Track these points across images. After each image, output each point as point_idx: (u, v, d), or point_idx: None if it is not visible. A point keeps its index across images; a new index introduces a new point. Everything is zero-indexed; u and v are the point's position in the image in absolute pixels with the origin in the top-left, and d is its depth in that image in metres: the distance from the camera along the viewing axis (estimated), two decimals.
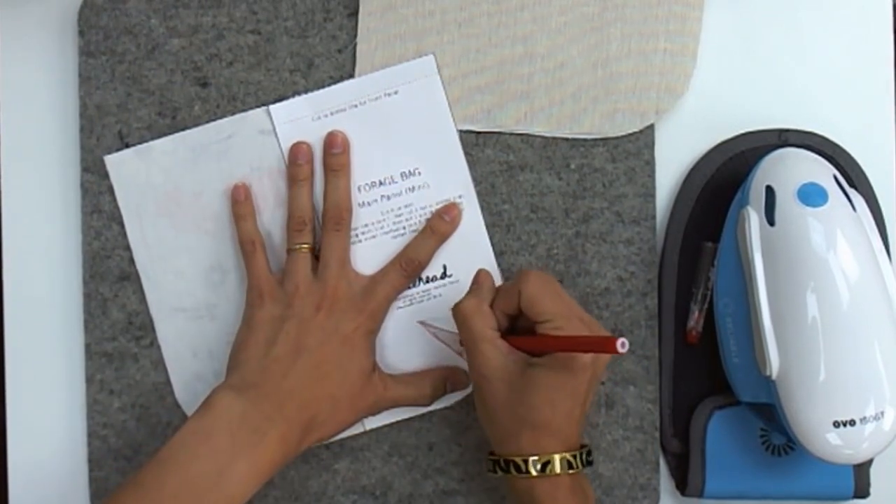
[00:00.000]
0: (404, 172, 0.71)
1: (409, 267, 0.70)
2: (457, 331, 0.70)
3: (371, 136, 0.71)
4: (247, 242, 0.70)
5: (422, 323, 0.71)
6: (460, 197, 0.71)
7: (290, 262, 0.69)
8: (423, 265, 0.70)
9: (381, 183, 0.71)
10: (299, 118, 0.71)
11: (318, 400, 0.66)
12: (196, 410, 0.64)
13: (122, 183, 0.72)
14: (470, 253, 0.71)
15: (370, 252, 0.71)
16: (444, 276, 0.71)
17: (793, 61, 0.72)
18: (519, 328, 0.66)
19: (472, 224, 0.71)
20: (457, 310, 0.65)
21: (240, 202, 0.70)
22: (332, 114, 0.71)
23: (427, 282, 0.71)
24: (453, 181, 0.71)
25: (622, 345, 0.56)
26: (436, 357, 0.71)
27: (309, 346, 0.66)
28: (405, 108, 0.71)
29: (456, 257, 0.71)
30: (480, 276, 0.67)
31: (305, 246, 0.69)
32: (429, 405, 0.70)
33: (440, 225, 0.70)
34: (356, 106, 0.71)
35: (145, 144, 0.72)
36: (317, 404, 0.66)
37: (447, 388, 0.70)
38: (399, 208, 0.71)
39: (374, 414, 0.70)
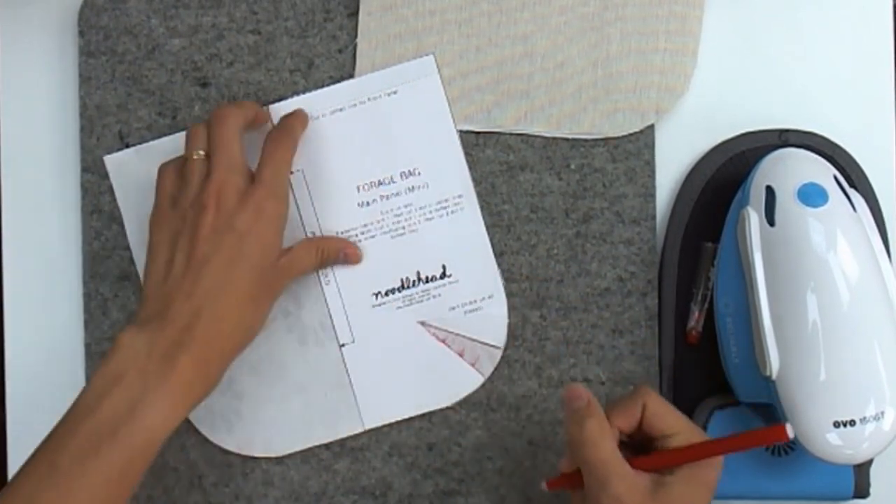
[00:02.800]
0: (404, 172, 0.71)
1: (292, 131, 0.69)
2: (456, 331, 0.71)
3: (371, 135, 0.71)
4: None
5: (422, 323, 0.71)
6: (460, 196, 0.71)
7: (186, 172, 0.65)
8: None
9: (380, 183, 0.71)
10: None
11: (229, 308, 0.62)
12: (102, 358, 0.61)
13: (122, 183, 0.72)
14: (469, 253, 0.71)
15: (369, 252, 0.71)
16: (443, 276, 0.71)
17: (793, 61, 0.72)
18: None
19: (472, 224, 0.71)
20: (580, 432, 0.59)
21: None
22: (331, 113, 0.71)
23: (427, 282, 0.71)
24: (453, 181, 0.71)
25: (790, 430, 0.55)
26: (436, 357, 0.71)
27: (206, 255, 0.62)
28: (405, 108, 0.71)
29: (455, 257, 0.71)
30: (580, 393, 0.60)
31: (201, 152, 0.65)
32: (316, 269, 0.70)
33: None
34: (356, 105, 0.71)
35: (145, 144, 0.72)
36: (229, 313, 0.62)
37: (328, 256, 0.70)
38: (398, 208, 0.71)
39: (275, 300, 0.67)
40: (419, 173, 0.71)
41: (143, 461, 0.59)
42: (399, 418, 0.72)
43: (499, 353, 0.71)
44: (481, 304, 0.71)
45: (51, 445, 0.58)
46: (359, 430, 0.72)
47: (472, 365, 0.71)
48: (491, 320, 0.71)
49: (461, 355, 0.71)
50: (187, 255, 0.63)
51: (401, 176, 0.71)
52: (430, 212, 0.71)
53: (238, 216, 0.63)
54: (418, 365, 0.71)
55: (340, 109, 0.71)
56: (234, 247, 0.63)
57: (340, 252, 0.70)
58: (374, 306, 0.72)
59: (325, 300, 0.72)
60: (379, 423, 0.72)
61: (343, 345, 0.72)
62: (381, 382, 0.72)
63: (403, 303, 0.71)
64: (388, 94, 0.71)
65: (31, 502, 0.57)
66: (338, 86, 0.71)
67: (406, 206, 0.71)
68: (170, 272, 0.63)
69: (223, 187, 0.63)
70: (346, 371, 0.72)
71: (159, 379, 0.59)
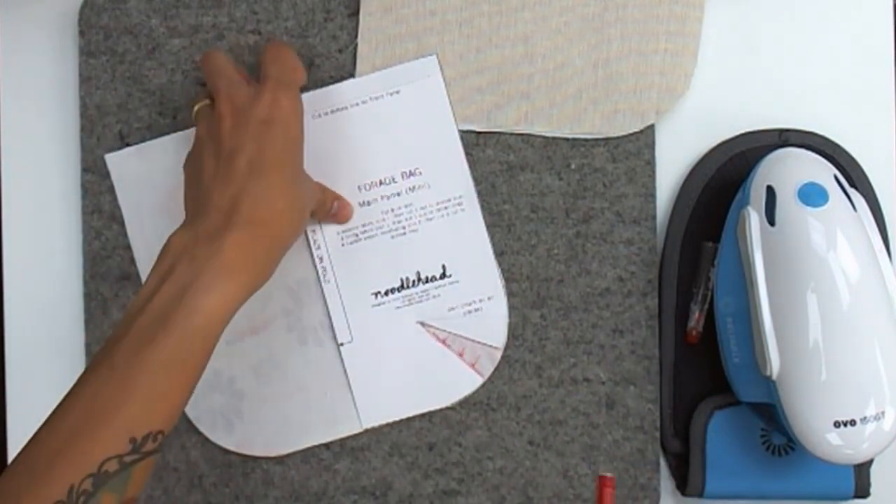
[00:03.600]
0: (405, 172, 0.71)
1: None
2: (456, 331, 0.71)
3: (372, 135, 0.71)
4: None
5: (421, 323, 0.71)
6: (461, 197, 0.71)
7: (198, 121, 0.66)
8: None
9: (381, 182, 0.71)
10: None
11: (271, 189, 0.61)
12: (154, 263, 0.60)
13: (123, 182, 0.72)
14: (469, 253, 0.71)
15: (368, 252, 0.71)
16: (443, 276, 0.71)
17: (793, 61, 0.72)
18: None
19: (472, 224, 0.71)
20: None
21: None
22: (332, 112, 0.71)
23: (426, 282, 0.71)
24: (454, 182, 0.71)
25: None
26: (434, 357, 0.71)
27: (235, 147, 0.61)
28: (407, 108, 0.71)
29: (455, 258, 0.71)
30: None
31: (206, 100, 0.66)
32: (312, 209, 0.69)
33: None
34: (357, 105, 0.71)
35: (146, 143, 0.72)
36: (271, 193, 0.61)
37: (327, 199, 0.70)
38: (399, 208, 0.71)
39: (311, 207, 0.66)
40: (420, 173, 0.71)
41: (202, 346, 0.57)
42: (397, 418, 0.71)
43: (498, 354, 0.71)
44: (481, 304, 0.71)
45: (107, 347, 0.57)
46: (357, 429, 0.72)
47: (471, 366, 0.71)
48: (490, 321, 0.71)
49: (460, 356, 0.71)
50: (216, 155, 0.62)
51: (402, 176, 0.71)
52: (431, 212, 0.71)
53: (254, 109, 0.62)
54: (417, 365, 0.71)
55: (343, 108, 0.71)
56: (260, 133, 0.62)
57: (335, 202, 0.70)
58: (373, 306, 0.72)
59: (324, 299, 0.72)
60: (377, 423, 0.72)
61: (342, 344, 0.72)
62: (379, 382, 0.72)
63: (403, 302, 0.71)
64: (391, 94, 0.71)
65: (94, 400, 0.56)
66: (340, 84, 0.71)
67: (407, 206, 0.71)
68: (203, 175, 0.62)
69: (231, 96, 0.63)
70: (345, 370, 0.72)
71: (207, 260, 0.58)
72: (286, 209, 0.62)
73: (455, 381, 0.72)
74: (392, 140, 0.71)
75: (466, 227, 0.71)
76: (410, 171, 0.71)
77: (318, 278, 0.72)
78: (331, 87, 0.71)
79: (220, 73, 0.65)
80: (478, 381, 0.71)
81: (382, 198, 0.71)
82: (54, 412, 0.57)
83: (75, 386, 0.57)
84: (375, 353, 0.71)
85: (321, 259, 0.72)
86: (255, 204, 0.60)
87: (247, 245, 0.59)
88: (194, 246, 0.59)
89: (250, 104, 0.63)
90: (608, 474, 0.61)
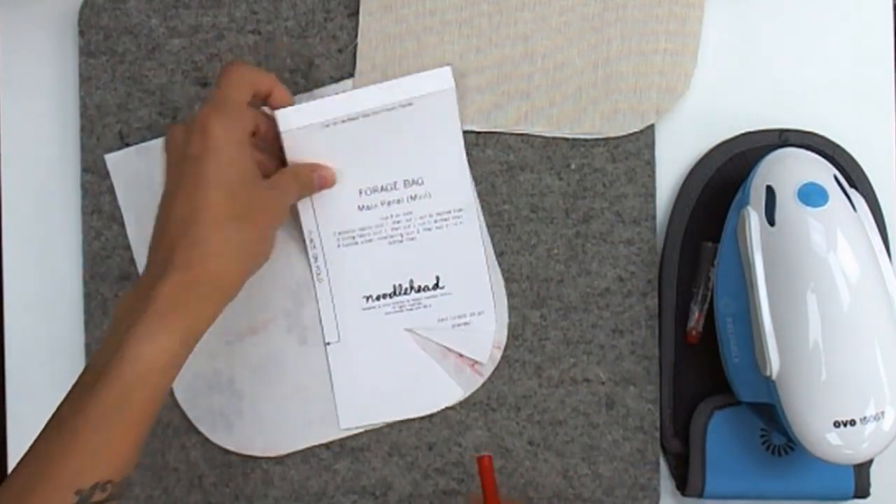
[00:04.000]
0: (407, 180, 0.71)
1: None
2: (442, 342, 0.71)
3: (378, 142, 0.70)
4: None
5: (409, 331, 0.71)
6: (461, 210, 0.71)
7: None
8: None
9: (382, 188, 0.71)
10: (308, 125, 0.69)
11: (207, 231, 0.60)
12: None
13: (123, 182, 0.72)
14: (464, 267, 0.71)
15: (364, 255, 0.71)
16: (436, 286, 0.71)
17: (793, 61, 0.72)
18: None
19: (470, 239, 0.71)
20: None
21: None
22: (343, 122, 0.69)
23: (419, 291, 0.71)
24: (456, 194, 0.71)
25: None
26: (419, 366, 0.71)
27: (171, 189, 0.61)
28: (417, 119, 0.70)
29: (450, 270, 0.71)
30: None
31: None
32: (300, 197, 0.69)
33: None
34: (368, 116, 0.70)
35: (146, 143, 0.72)
36: (208, 235, 0.60)
37: (305, 181, 0.69)
38: (398, 215, 0.71)
39: (276, 225, 0.65)
40: (423, 182, 0.71)
41: (142, 395, 0.57)
42: (399, 418, 0.71)
43: (482, 369, 0.71)
44: (470, 318, 0.71)
45: (59, 405, 0.58)
46: (358, 430, 0.71)
47: (453, 378, 0.71)
48: (478, 336, 0.71)
49: (443, 367, 0.71)
50: (162, 200, 0.62)
51: (404, 184, 0.71)
52: (430, 222, 0.71)
53: (187, 144, 0.61)
54: (400, 372, 0.71)
55: (353, 119, 0.70)
56: (193, 172, 0.61)
57: (315, 176, 0.69)
58: (363, 309, 0.71)
59: (316, 297, 0.71)
60: (354, 426, 0.71)
61: (328, 343, 0.72)
62: (361, 385, 0.71)
63: (393, 309, 0.71)
64: (403, 106, 0.70)
65: (41, 456, 0.56)
66: (352, 93, 0.69)
67: (406, 214, 0.71)
68: (154, 228, 0.62)
69: (173, 133, 0.63)
70: (329, 370, 0.71)
71: (143, 311, 0.58)
72: (221, 250, 0.60)
73: (434, 393, 0.71)
74: (398, 148, 0.70)
75: (463, 241, 0.71)
76: (413, 180, 0.71)
77: (312, 275, 0.71)
78: (341, 96, 0.69)
79: (206, 100, 0.64)
80: (457, 393, 0.71)
81: (383, 203, 0.71)
82: (13, 470, 0.57)
83: (34, 441, 0.58)
84: (361, 356, 0.71)
85: (315, 258, 0.71)
86: (186, 250, 0.59)
87: (180, 291, 0.59)
88: (134, 300, 0.59)
89: (184, 140, 0.62)
90: (484, 454, 0.63)
